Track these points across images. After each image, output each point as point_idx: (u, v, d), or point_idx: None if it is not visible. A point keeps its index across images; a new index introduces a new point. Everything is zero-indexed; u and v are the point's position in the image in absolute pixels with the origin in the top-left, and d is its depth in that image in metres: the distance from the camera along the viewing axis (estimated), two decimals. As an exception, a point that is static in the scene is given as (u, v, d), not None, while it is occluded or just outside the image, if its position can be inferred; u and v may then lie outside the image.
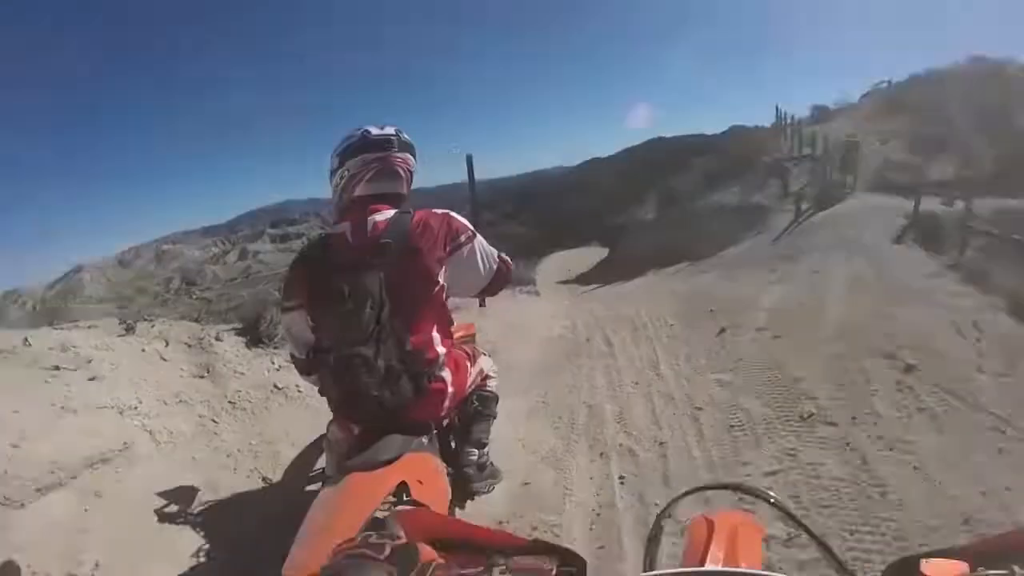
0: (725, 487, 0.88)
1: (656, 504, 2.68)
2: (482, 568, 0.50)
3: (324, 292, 1.37)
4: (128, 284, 38.85)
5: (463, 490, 1.79)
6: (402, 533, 0.51)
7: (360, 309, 1.31)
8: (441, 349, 1.50)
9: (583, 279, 16.05)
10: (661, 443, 3.37)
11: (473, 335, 2.35)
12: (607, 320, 6.85)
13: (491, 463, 1.93)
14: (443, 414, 1.58)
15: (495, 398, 1.92)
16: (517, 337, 5.94)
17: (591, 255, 21.11)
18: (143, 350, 3.52)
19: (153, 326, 3.98)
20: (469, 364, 1.74)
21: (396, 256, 1.37)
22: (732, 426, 3.43)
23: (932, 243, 7.34)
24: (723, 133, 24.98)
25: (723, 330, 5.22)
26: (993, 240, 6.86)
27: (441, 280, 1.44)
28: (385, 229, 1.42)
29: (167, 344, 3.68)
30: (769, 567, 0.62)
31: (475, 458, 1.82)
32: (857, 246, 7.46)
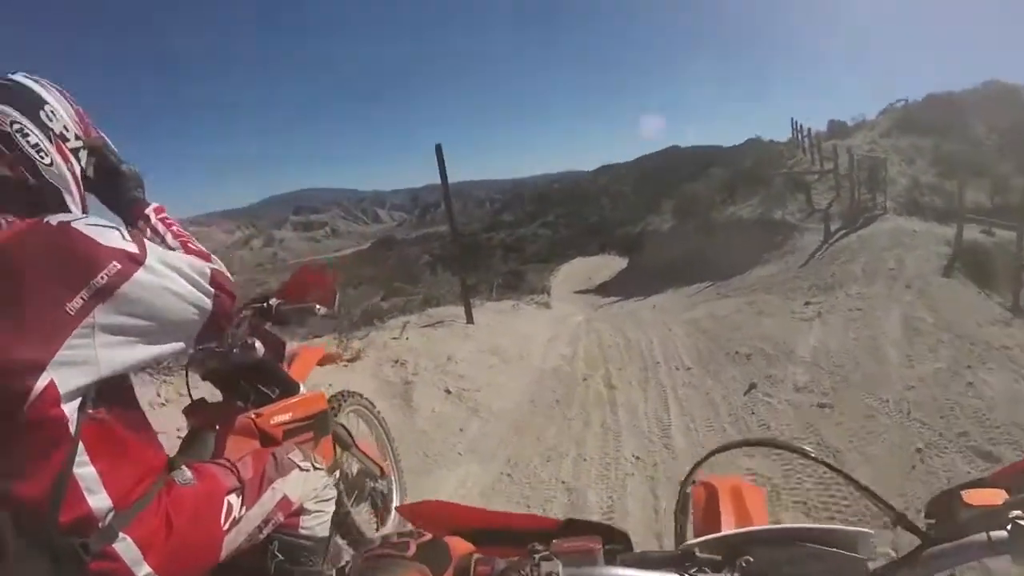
0: (759, 443, 0.83)
1: None
2: (525, 556, 0.44)
3: None
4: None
5: None
6: (422, 529, 0.48)
7: None
8: (100, 501, 0.78)
9: (602, 290, 15.16)
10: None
11: (318, 417, 1.40)
12: (615, 351, 5.81)
13: None
14: None
15: (318, 546, 1.21)
16: (500, 369, 4.95)
17: (610, 264, 20.18)
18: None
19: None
20: (236, 500, 1.00)
21: None
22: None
23: (983, 278, 6.52)
24: (739, 145, 23.82)
25: (753, 386, 4.13)
26: None
27: (50, 380, 0.71)
28: None
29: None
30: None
31: None
32: (901, 278, 6.50)
